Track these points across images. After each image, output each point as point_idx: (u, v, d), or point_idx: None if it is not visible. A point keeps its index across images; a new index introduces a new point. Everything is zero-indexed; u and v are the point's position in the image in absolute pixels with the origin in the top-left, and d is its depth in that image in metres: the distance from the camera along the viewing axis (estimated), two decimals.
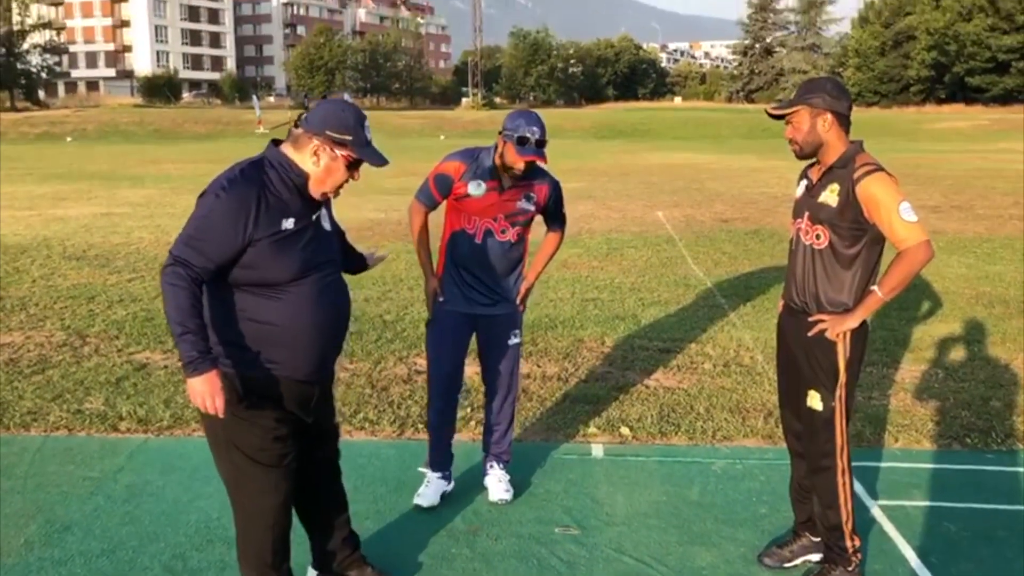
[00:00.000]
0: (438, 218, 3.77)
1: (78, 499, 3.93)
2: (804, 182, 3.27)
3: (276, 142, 2.72)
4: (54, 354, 6.08)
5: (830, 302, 3.11)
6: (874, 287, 3.06)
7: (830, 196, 3.06)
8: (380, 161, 2.68)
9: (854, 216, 3.01)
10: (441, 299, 3.79)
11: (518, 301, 3.89)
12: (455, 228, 3.73)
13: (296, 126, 2.68)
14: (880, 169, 3.01)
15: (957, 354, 6.20)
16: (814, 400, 3.17)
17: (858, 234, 3.04)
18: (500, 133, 3.61)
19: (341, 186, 2.73)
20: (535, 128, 3.51)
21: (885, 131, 47.46)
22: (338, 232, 3.01)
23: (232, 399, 2.61)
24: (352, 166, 2.69)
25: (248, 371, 2.66)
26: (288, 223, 2.60)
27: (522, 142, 3.51)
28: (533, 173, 3.70)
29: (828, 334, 3.09)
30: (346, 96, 56.05)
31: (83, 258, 9.82)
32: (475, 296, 3.77)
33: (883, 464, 4.39)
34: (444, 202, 3.77)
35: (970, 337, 6.59)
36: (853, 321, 3.07)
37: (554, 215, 3.95)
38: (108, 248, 10.50)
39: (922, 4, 74.06)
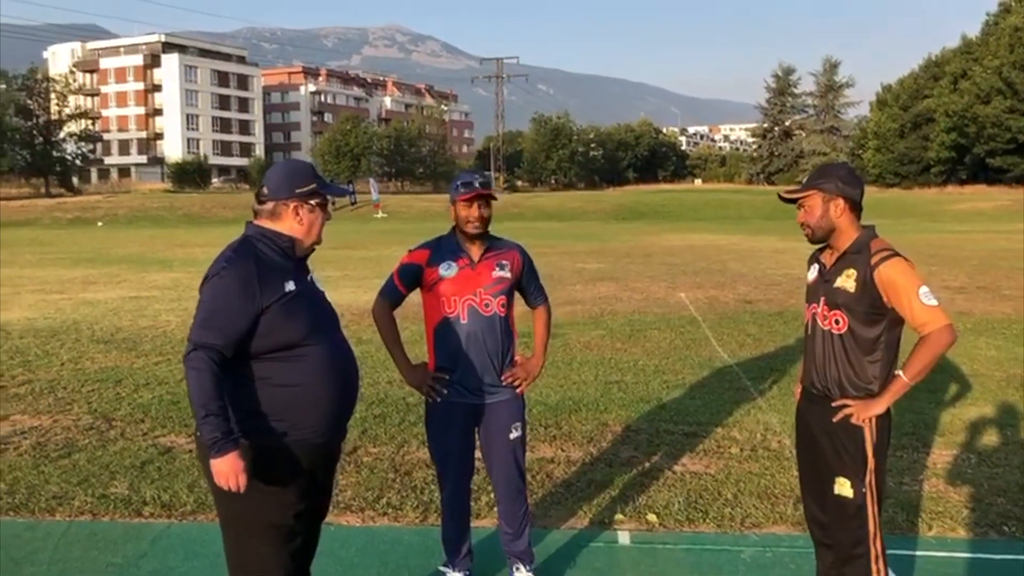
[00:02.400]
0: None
1: None
2: (816, 266, 3.29)
3: (250, 222, 2.92)
4: (80, 438, 6.12)
5: (854, 386, 3.10)
6: (899, 372, 3.05)
7: (847, 281, 3.08)
8: (343, 192, 2.96)
9: (872, 301, 3.03)
10: (439, 399, 3.67)
11: (514, 379, 3.69)
12: (437, 318, 3.64)
13: (261, 203, 2.86)
14: (897, 254, 3.05)
15: (990, 438, 6.09)
16: (843, 487, 3.11)
17: (877, 318, 3.06)
18: (449, 206, 3.66)
19: (322, 229, 2.95)
20: (475, 175, 3.63)
21: (907, 212, 47.54)
22: None
23: (256, 475, 2.67)
24: (323, 207, 2.92)
25: (275, 442, 2.73)
26: (290, 285, 2.76)
27: (467, 184, 3.56)
28: (499, 244, 3.72)
29: (854, 419, 3.07)
30: (371, 181, 57.30)
31: (111, 341, 9.94)
32: (471, 385, 3.63)
33: (918, 553, 4.28)
34: (409, 296, 3.75)
35: (1002, 421, 6.47)
36: (880, 406, 3.06)
37: (532, 287, 3.85)
38: (136, 331, 10.62)
39: (940, 87, 74.93)
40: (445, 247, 3.67)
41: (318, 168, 2.99)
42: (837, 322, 3.11)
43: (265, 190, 2.86)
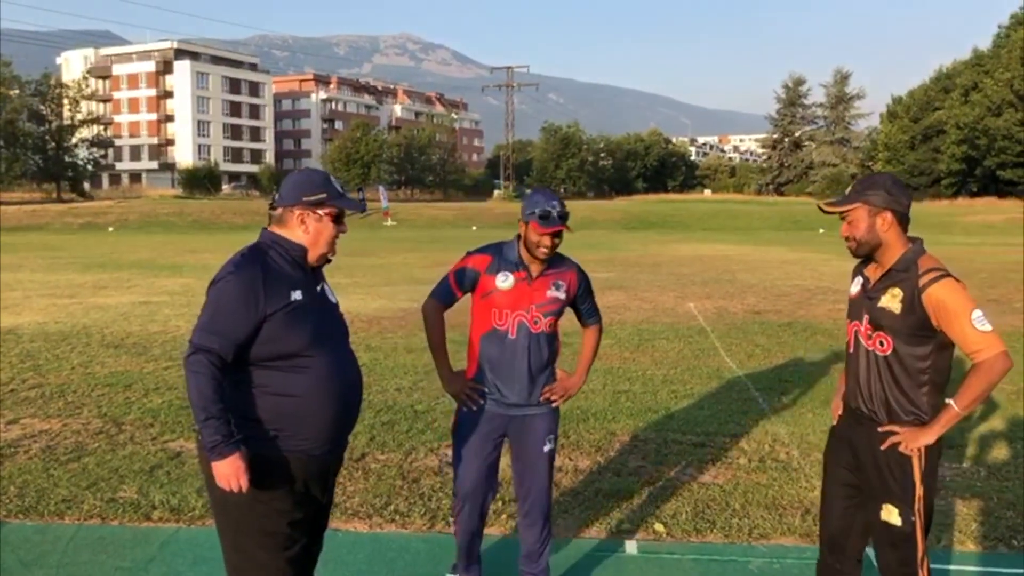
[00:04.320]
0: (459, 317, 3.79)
1: None
2: (860, 279, 3.12)
3: (265, 229, 2.90)
4: (90, 441, 6.14)
5: (903, 410, 2.96)
6: (950, 401, 2.90)
7: (892, 302, 2.92)
8: (359, 206, 2.89)
9: (919, 323, 2.87)
10: (474, 408, 3.61)
11: (553, 396, 3.66)
12: (485, 328, 3.59)
13: (273, 208, 2.85)
14: (947, 274, 2.87)
15: (999, 452, 6.06)
16: (891, 515, 2.98)
17: (924, 340, 2.90)
18: (520, 219, 3.56)
19: (334, 242, 2.88)
20: (555, 203, 3.47)
21: (917, 224, 46.96)
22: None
23: (253, 481, 2.67)
24: (336, 220, 2.85)
25: (269, 450, 2.72)
26: (296, 294, 2.74)
27: (545, 216, 3.44)
28: (559, 261, 3.65)
29: (902, 448, 2.93)
30: (381, 188, 57.47)
31: (121, 346, 9.98)
32: (509, 397, 3.59)
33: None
34: (461, 301, 3.67)
35: (1012, 434, 6.45)
36: (930, 437, 2.92)
37: (587, 306, 3.80)
38: (145, 336, 10.67)
39: (950, 99, 74.85)
40: (506, 257, 3.59)
41: (336, 180, 2.85)
42: (882, 343, 2.96)
43: (277, 195, 2.85)
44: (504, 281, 3.53)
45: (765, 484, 5.36)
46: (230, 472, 2.60)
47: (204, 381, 2.61)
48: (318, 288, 2.88)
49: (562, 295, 3.61)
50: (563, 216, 3.47)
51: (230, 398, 2.70)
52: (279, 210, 2.83)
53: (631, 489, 5.25)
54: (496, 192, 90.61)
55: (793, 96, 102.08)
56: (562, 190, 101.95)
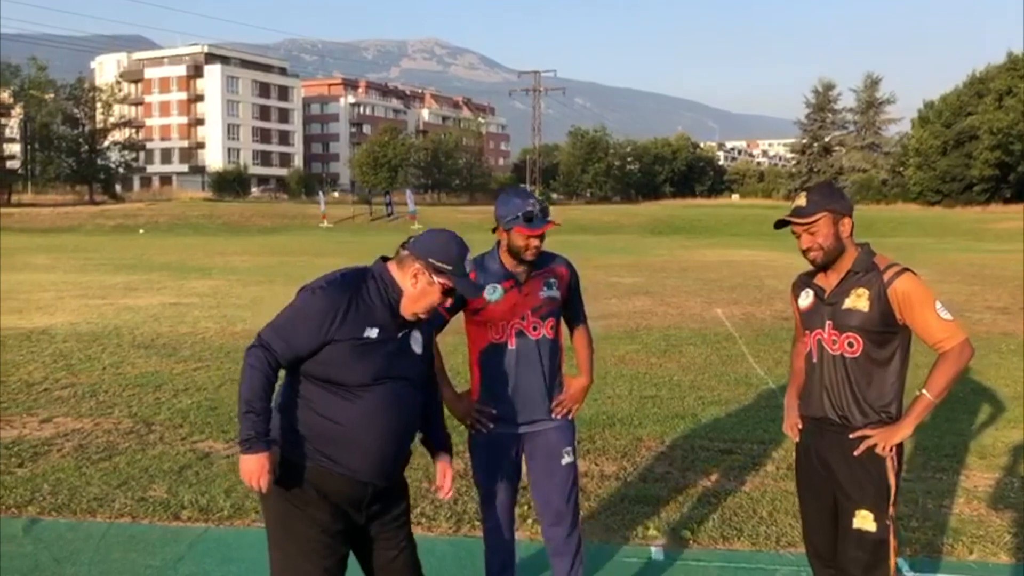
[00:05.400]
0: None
1: None
2: (809, 291, 3.16)
3: (384, 258, 2.87)
4: (121, 441, 6.22)
5: (874, 410, 2.99)
6: (923, 391, 2.94)
7: (858, 301, 2.97)
8: (475, 293, 2.89)
9: (885, 319, 2.95)
10: (484, 431, 3.47)
11: (563, 409, 3.51)
12: (483, 344, 3.44)
13: (404, 247, 2.82)
14: (908, 269, 2.99)
15: None
16: (865, 521, 2.98)
17: (890, 336, 2.98)
18: (497, 227, 3.42)
19: (432, 309, 2.84)
20: (531, 200, 3.33)
21: (948, 230, 46.87)
22: (429, 359, 2.98)
23: (286, 485, 2.70)
24: (446, 292, 2.81)
25: (305, 460, 2.73)
26: (372, 332, 2.70)
27: (529, 218, 3.30)
28: (546, 258, 3.49)
29: (879, 450, 2.95)
30: (408, 192, 57.67)
31: (151, 347, 10.09)
32: (519, 414, 3.44)
33: None
34: (452, 321, 3.53)
35: None
36: (906, 431, 2.95)
37: (575, 305, 3.63)
38: (175, 337, 10.78)
39: (984, 104, 73.83)
40: (489, 269, 3.43)
41: (470, 262, 2.87)
42: (850, 345, 2.99)
43: (412, 240, 2.84)
44: (493, 293, 3.39)
45: (793, 492, 5.27)
46: (254, 468, 2.62)
47: (257, 376, 2.64)
48: (400, 334, 2.80)
49: (556, 293, 3.48)
50: (545, 211, 3.34)
51: (281, 401, 2.74)
52: (406, 252, 2.80)
53: (657, 495, 5.23)
54: None
55: (823, 101, 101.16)
56: (588, 194, 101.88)
